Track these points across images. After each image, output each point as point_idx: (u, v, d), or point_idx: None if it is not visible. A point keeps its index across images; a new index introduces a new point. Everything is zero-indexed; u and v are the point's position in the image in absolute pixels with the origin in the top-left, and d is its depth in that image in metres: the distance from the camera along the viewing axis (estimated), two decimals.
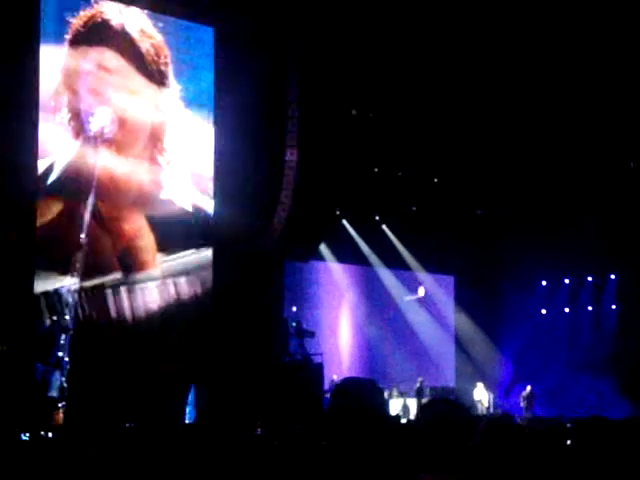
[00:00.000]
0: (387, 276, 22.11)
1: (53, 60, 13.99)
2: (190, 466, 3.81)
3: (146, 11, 15.30)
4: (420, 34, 17.86)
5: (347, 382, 3.19)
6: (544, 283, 23.24)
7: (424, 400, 20.14)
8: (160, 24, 15.47)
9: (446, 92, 19.15)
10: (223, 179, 16.13)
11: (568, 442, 5.12)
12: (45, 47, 13.95)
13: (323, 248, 20.52)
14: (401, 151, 20.27)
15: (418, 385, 20.75)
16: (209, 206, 15.93)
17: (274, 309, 17.33)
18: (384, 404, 3.18)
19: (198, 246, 15.55)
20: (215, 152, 16.09)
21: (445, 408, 3.04)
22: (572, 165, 20.19)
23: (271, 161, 17.08)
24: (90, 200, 13.59)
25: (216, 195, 16.04)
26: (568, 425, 5.33)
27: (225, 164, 16.10)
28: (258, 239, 16.71)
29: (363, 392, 3.03)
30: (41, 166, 13.69)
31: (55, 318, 12.94)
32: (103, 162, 14.19)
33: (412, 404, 20.09)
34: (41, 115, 13.68)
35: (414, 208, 21.59)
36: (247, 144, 16.13)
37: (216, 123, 16.10)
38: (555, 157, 20.23)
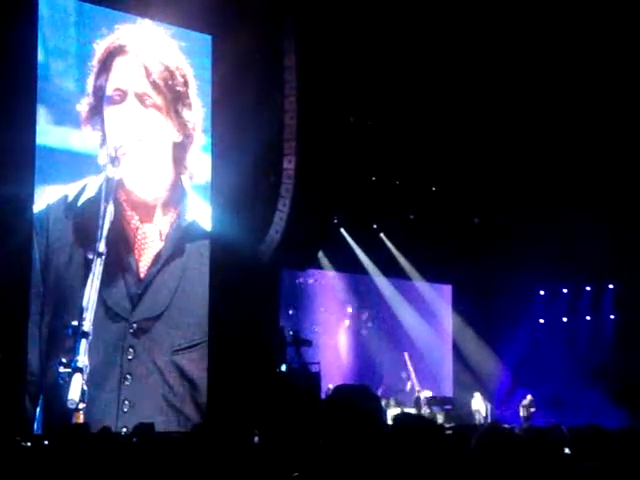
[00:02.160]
0: (385, 284, 22.07)
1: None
2: (187, 474, 3.77)
3: (170, 32, 15.31)
4: (418, 41, 17.90)
5: (339, 390, 3.14)
6: (542, 292, 23.21)
7: (423, 410, 20.10)
8: (183, 43, 15.49)
9: (444, 100, 19.17)
10: (220, 187, 16.11)
11: (566, 451, 5.08)
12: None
13: (321, 256, 20.48)
14: (399, 159, 20.26)
15: (417, 395, 20.67)
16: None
17: (271, 317, 17.29)
18: (380, 410, 3.13)
19: None
20: (212, 160, 16.07)
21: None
22: (571, 174, 20.19)
23: (269, 169, 17.07)
24: (110, 215, 13.75)
25: (213, 203, 16.02)
26: (565, 434, 5.31)
27: (222, 172, 16.07)
28: (256, 247, 16.68)
29: (356, 399, 2.99)
30: (74, 188, 14.10)
31: (76, 323, 13.11)
32: (124, 183, 14.45)
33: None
34: (78, 139, 14.21)
35: (412, 216, 21.56)
36: (244, 152, 16.10)
37: (213, 131, 16.10)
38: (553, 166, 20.23)
